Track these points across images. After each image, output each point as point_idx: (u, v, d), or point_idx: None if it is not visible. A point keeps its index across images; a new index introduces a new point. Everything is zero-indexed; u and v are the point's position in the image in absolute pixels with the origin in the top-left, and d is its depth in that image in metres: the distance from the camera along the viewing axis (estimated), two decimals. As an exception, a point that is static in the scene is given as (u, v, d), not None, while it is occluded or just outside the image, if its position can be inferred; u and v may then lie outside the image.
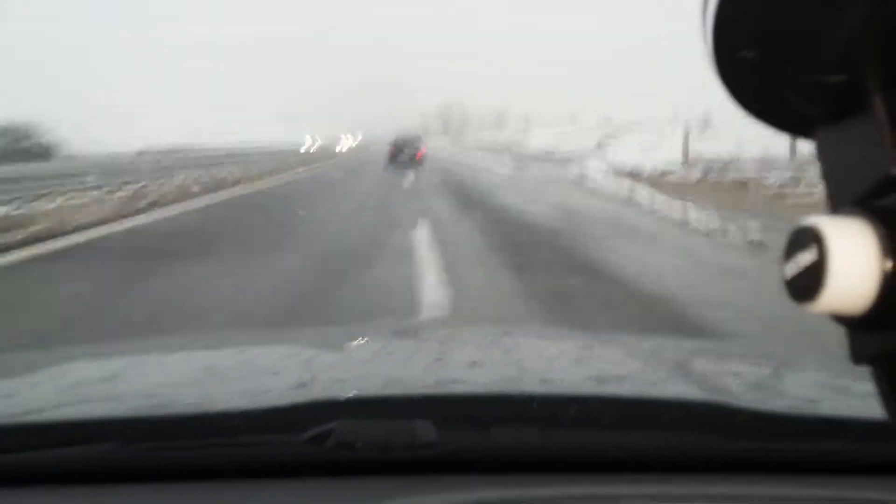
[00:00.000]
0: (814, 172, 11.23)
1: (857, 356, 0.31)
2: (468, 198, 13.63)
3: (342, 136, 61.99)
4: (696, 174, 17.89)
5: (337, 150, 46.17)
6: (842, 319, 0.29)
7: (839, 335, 0.31)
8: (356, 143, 70.23)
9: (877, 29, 0.28)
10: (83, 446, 0.85)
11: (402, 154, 29.42)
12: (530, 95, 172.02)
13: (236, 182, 18.17)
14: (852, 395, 1.00)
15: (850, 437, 0.90)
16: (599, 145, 33.72)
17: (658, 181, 16.48)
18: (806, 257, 0.29)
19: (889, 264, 0.27)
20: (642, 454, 0.90)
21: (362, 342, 1.37)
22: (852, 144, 0.31)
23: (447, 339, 1.47)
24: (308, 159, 35.05)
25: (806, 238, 0.29)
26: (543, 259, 6.78)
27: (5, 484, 0.82)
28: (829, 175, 0.33)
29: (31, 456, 0.85)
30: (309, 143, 45.53)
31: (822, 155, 0.33)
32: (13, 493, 0.82)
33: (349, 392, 0.95)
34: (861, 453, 0.89)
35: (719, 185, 15.25)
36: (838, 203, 0.31)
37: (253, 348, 1.44)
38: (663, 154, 22.70)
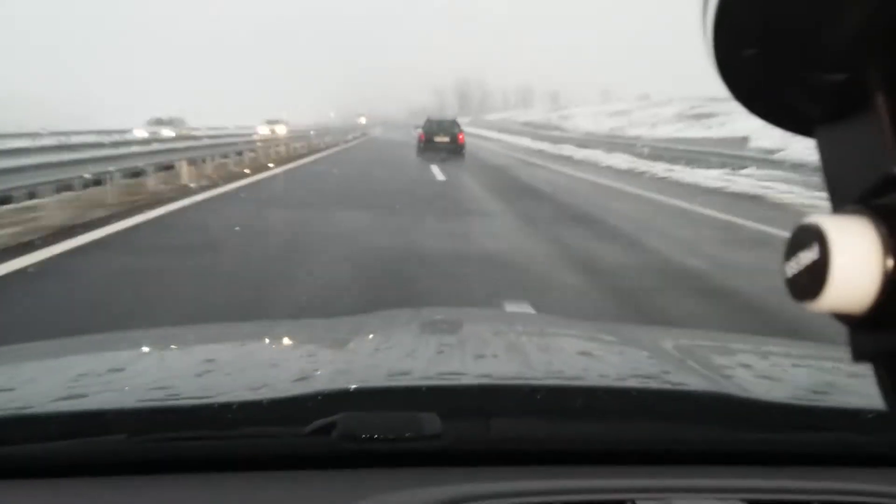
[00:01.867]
0: None
1: (859, 354, 0.30)
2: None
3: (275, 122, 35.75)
4: None
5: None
6: (843, 318, 0.29)
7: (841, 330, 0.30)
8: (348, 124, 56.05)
9: (878, 27, 0.28)
10: (88, 438, 0.84)
11: (437, 139, 23.39)
12: (555, 73, 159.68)
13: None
14: (858, 386, 1.00)
15: (857, 429, 0.89)
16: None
17: None
18: (807, 256, 0.29)
19: (891, 263, 0.27)
20: (648, 445, 0.90)
21: (365, 333, 1.34)
22: (853, 143, 0.30)
23: (451, 330, 1.44)
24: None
25: (807, 237, 0.29)
26: None
27: (11, 476, 0.82)
28: (830, 173, 0.32)
29: (35, 448, 0.85)
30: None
31: (823, 153, 0.33)
32: (19, 486, 0.81)
33: (353, 384, 0.93)
34: (867, 444, 0.89)
35: None
36: (840, 202, 0.31)
37: (254, 341, 1.42)
38: None
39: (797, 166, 13.58)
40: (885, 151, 0.29)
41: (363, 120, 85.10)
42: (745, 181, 14.26)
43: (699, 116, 31.92)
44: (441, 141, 23.39)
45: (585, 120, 44.83)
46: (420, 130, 24.95)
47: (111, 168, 10.22)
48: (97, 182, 10.00)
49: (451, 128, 24.60)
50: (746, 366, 1.23)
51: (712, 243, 7.27)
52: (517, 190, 12.85)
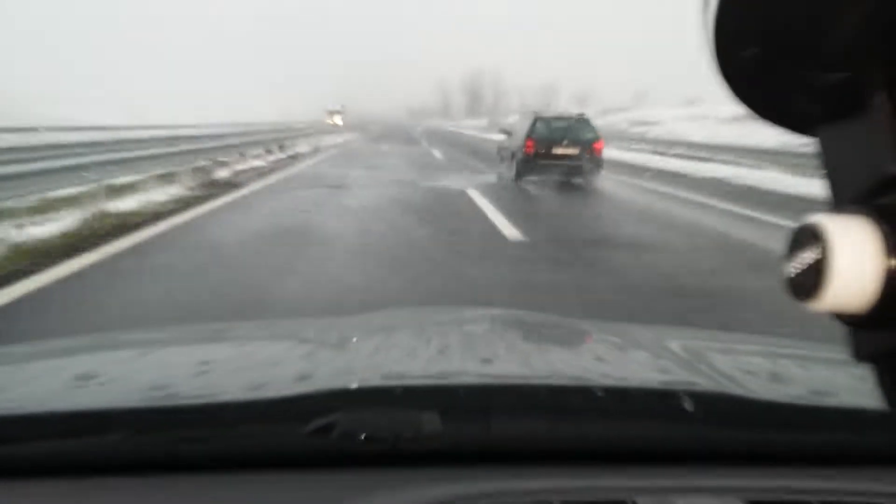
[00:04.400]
0: None
1: (859, 354, 0.30)
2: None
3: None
4: None
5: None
6: (843, 318, 0.29)
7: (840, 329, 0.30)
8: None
9: (878, 28, 0.28)
10: (87, 438, 0.84)
11: (559, 151, 13.04)
12: (574, 73, 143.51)
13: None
14: (859, 386, 0.99)
15: (857, 428, 0.89)
16: None
17: None
18: (808, 255, 0.29)
19: (891, 262, 0.27)
20: (649, 445, 0.89)
21: (365, 333, 1.33)
22: (854, 143, 0.31)
23: (452, 329, 1.42)
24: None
25: (808, 236, 0.29)
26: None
27: (10, 476, 0.82)
28: (830, 173, 0.32)
29: (35, 447, 0.84)
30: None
31: (824, 153, 0.33)
32: (18, 486, 0.81)
33: (353, 383, 0.92)
34: (868, 444, 0.89)
35: None
36: (840, 201, 0.31)
37: (254, 340, 1.41)
38: None
39: None
40: (885, 151, 0.29)
41: (337, 119, 56.26)
42: None
43: None
44: (565, 154, 13.17)
45: (682, 126, 28.56)
46: (526, 136, 13.44)
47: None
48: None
49: (579, 131, 13.68)
50: (747, 365, 1.23)
51: None
52: None
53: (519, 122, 14.80)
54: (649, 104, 60.29)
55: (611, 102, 70.98)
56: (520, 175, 13.23)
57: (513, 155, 13.72)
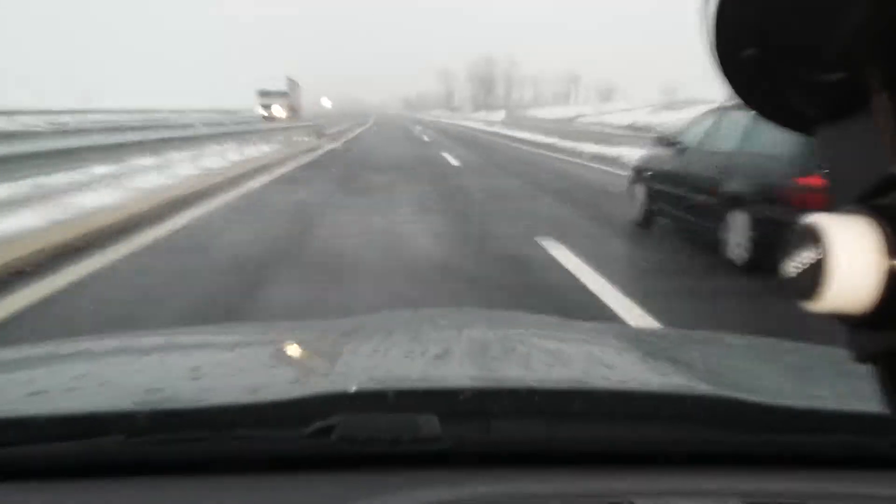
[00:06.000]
0: None
1: (860, 355, 0.30)
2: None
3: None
4: None
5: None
6: (843, 318, 0.29)
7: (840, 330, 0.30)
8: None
9: (878, 27, 0.28)
10: (86, 440, 0.84)
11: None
12: (598, 64, 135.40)
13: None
14: (859, 388, 0.99)
15: (857, 430, 0.89)
16: None
17: None
18: (807, 256, 0.29)
19: (891, 262, 0.27)
20: (648, 447, 0.90)
21: (364, 335, 1.34)
22: (853, 143, 0.31)
23: (451, 331, 1.42)
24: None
25: (807, 236, 0.29)
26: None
27: (9, 478, 0.82)
28: (830, 173, 0.32)
29: (33, 449, 0.84)
30: None
31: (824, 153, 0.33)
32: (17, 488, 0.81)
33: (352, 386, 0.93)
34: (868, 446, 0.89)
35: None
36: (840, 201, 0.31)
37: (253, 343, 1.42)
38: None
39: None
40: (885, 151, 0.28)
41: (276, 109, 34.15)
42: None
43: None
44: None
45: None
46: (747, 170, 5.54)
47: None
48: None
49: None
50: (747, 367, 1.24)
51: None
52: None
53: (727, 125, 6.39)
54: (683, 99, 53.11)
55: (638, 98, 63.64)
56: (759, 259, 5.42)
57: (727, 207, 5.84)
